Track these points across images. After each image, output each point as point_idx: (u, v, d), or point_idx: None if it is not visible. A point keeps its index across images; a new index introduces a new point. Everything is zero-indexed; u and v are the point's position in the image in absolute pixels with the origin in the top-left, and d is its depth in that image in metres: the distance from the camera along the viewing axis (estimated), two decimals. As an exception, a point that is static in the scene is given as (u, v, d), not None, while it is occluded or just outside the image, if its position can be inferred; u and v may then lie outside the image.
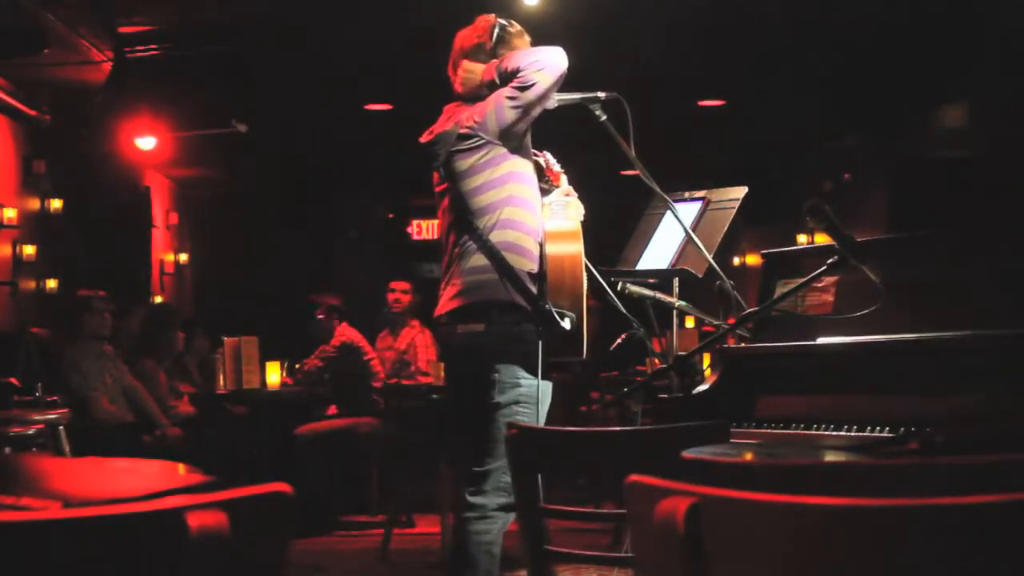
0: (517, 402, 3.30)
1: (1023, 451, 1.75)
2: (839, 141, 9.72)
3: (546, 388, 3.38)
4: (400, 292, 7.62)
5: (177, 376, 7.50)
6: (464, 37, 3.54)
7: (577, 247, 3.36)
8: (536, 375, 3.31)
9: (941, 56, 7.38)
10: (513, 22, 3.55)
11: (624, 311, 3.48)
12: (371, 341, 7.59)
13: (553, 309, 3.26)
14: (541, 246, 3.37)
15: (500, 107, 3.32)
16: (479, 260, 3.33)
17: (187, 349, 7.67)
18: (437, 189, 3.49)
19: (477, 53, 3.48)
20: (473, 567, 3.26)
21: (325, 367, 7.41)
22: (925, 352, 2.82)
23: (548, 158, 3.60)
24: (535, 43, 3.55)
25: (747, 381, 3.16)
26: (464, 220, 3.36)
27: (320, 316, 7.46)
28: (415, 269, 12.19)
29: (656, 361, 4.31)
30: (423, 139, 3.49)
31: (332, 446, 7.12)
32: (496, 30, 3.50)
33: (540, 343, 3.29)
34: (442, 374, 5.47)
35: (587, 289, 3.39)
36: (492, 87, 3.42)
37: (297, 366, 7.51)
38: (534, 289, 3.31)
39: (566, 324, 3.26)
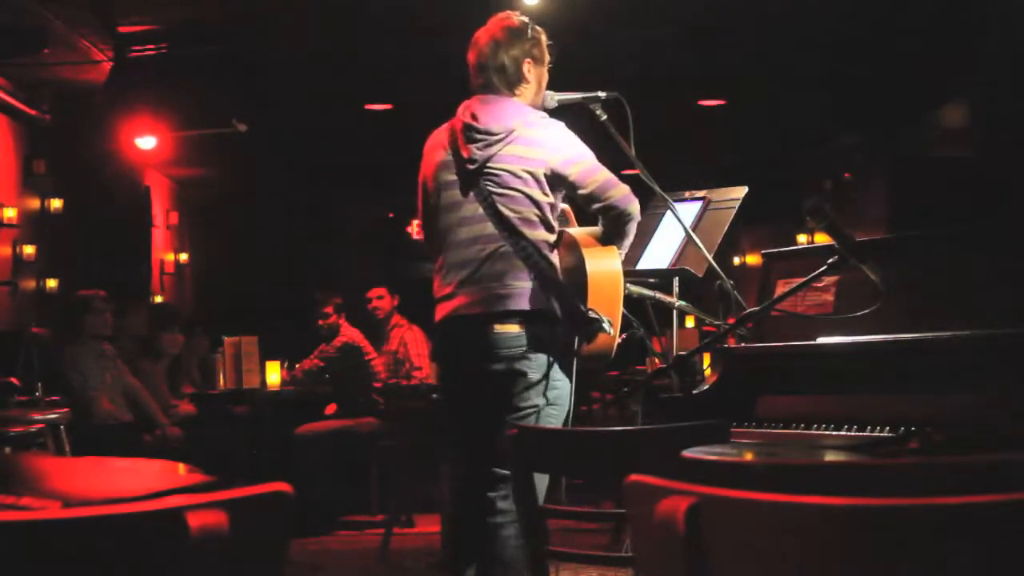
0: (555, 404, 3.30)
1: (1023, 451, 1.75)
2: (839, 141, 9.72)
3: (571, 390, 3.37)
4: (376, 299, 7.63)
5: (177, 376, 7.50)
6: (494, 31, 3.43)
7: (618, 264, 3.30)
8: (567, 376, 3.31)
9: (941, 56, 7.38)
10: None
11: (624, 311, 3.48)
12: (372, 341, 7.59)
13: (603, 318, 3.21)
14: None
15: (601, 182, 3.29)
16: (511, 263, 3.28)
17: (187, 349, 7.67)
18: (451, 178, 3.39)
19: (510, 49, 3.40)
20: (508, 571, 3.22)
21: (325, 367, 7.41)
22: (925, 352, 2.82)
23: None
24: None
25: (747, 381, 3.16)
26: (503, 220, 3.29)
27: (328, 311, 7.46)
28: (415, 269, 12.19)
29: (656, 361, 4.31)
30: (476, 124, 3.35)
31: (332, 446, 7.12)
32: (529, 29, 3.45)
33: (572, 346, 3.27)
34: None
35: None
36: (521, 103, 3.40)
37: (297, 366, 7.51)
38: (564, 291, 3.28)
39: (608, 328, 3.22)
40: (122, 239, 8.94)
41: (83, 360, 6.34)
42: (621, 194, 3.28)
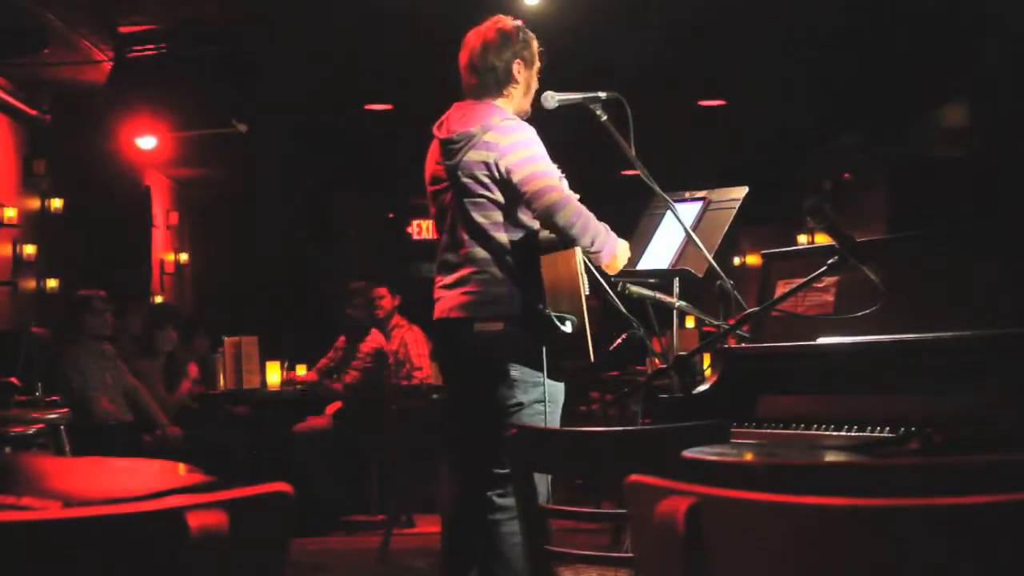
0: (540, 400, 3.32)
1: (1023, 451, 1.75)
2: (839, 141, 9.72)
3: (560, 389, 3.40)
4: (377, 299, 7.61)
5: (174, 374, 7.47)
6: (486, 33, 3.47)
7: (574, 261, 3.34)
8: (549, 375, 3.33)
9: (941, 56, 7.38)
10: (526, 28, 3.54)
11: (624, 311, 3.48)
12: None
13: (553, 314, 3.27)
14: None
15: (540, 193, 3.30)
16: (488, 268, 3.35)
17: (183, 348, 7.65)
18: (441, 186, 3.47)
19: (501, 51, 3.43)
20: (508, 568, 3.25)
21: (363, 377, 7.29)
22: (925, 352, 2.81)
23: None
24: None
25: (747, 381, 3.15)
26: (475, 225, 3.36)
27: (360, 303, 7.42)
28: (415, 269, 12.19)
29: (656, 361, 4.31)
30: (441, 135, 3.44)
31: (332, 446, 7.11)
32: (520, 33, 3.48)
33: (543, 346, 3.31)
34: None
35: (586, 289, 3.38)
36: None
37: (323, 381, 7.37)
38: (535, 294, 3.33)
39: (567, 328, 3.26)
40: (122, 239, 8.94)
41: (83, 360, 6.34)
42: (550, 202, 3.28)
